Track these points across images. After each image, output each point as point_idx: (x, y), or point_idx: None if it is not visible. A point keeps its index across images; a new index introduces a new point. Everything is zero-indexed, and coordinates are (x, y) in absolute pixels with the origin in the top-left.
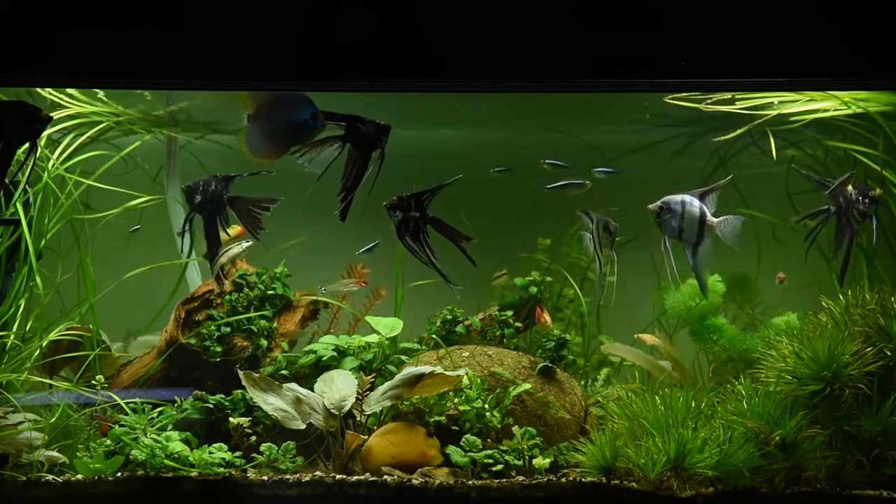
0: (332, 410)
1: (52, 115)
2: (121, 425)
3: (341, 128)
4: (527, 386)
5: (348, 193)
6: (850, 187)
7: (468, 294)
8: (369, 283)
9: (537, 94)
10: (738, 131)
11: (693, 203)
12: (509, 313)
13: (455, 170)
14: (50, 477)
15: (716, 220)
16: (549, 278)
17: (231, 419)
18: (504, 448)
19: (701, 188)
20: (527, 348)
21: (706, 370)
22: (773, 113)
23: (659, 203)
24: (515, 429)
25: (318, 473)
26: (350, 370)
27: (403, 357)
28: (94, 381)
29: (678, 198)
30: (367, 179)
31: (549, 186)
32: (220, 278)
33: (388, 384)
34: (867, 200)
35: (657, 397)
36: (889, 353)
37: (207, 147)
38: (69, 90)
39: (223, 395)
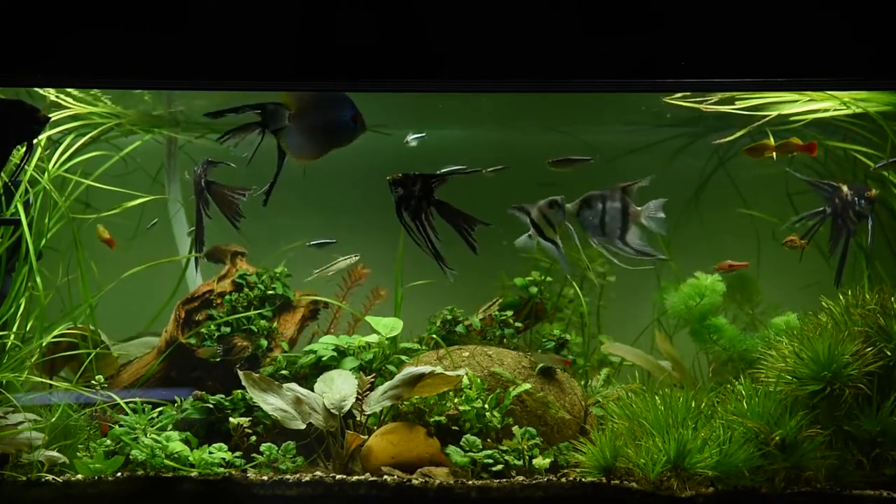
0: (332, 410)
1: (50, 115)
2: (121, 425)
3: (258, 115)
4: (527, 386)
5: (275, 178)
6: (845, 189)
7: (468, 294)
8: (369, 284)
9: (537, 94)
10: (738, 133)
11: (616, 197)
12: (509, 313)
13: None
14: (50, 477)
15: (639, 207)
16: (549, 278)
17: (231, 419)
18: (504, 448)
19: (621, 184)
20: (527, 348)
21: (706, 370)
22: (773, 114)
23: (577, 202)
24: (515, 429)
25: (318, 473)
26: (350, 370)
27: (403, 357)
28: (93, 382)
29: (598, 193)
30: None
31: (552, 161)
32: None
33: (388, 384)
34: (863, 200)
35: (657, 397)
36: (889, 353)
37: (208, 147)
38: (69, 90)
39: (223, 395)
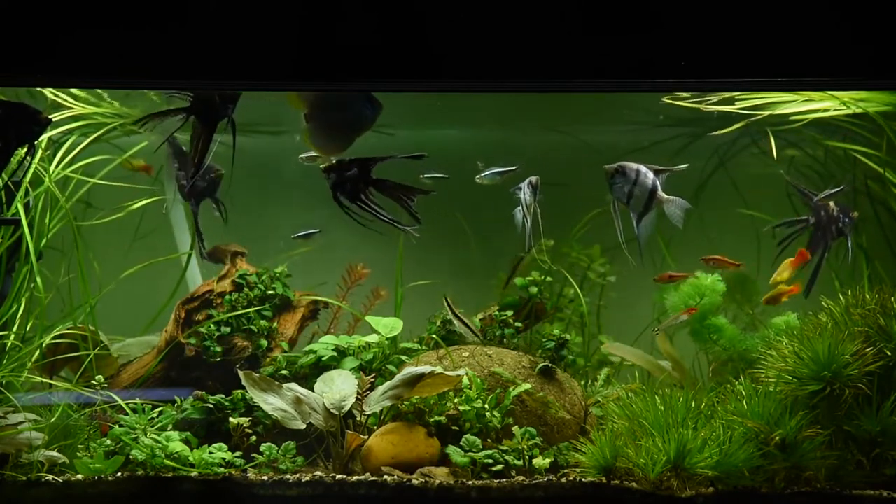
0: (332, 410)
1: (51, 116)
2: (121, 425)
3: (186, 99)
4: (527, 386)
5: (198, 169)
6: (831, 204)
7: (468, 294)
8: (369, 284)
9: (537, 94)
10: (736, 126)
11: (649, 175)
12: (509, 313)
13: (454, 170)
14: (50, 477)
15: (667, 196)
16: (549, 279)
17: (231, 419)
18: (504, 448)
19: (656, 166)
20: (527, 348)
21: (706, 370)
22: (766, 113)
23: (615, 166)
24: (515, 429)
25: (318, 473)
26: (350, 370)
27: (403, 357)
28: (93, 382)
29: (636, 166)
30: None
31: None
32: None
33: (388, 384)
34: (846, 219)
35: (657, 397)
36: (889, 353)
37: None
38: (71, 90)
39: (223, 395)
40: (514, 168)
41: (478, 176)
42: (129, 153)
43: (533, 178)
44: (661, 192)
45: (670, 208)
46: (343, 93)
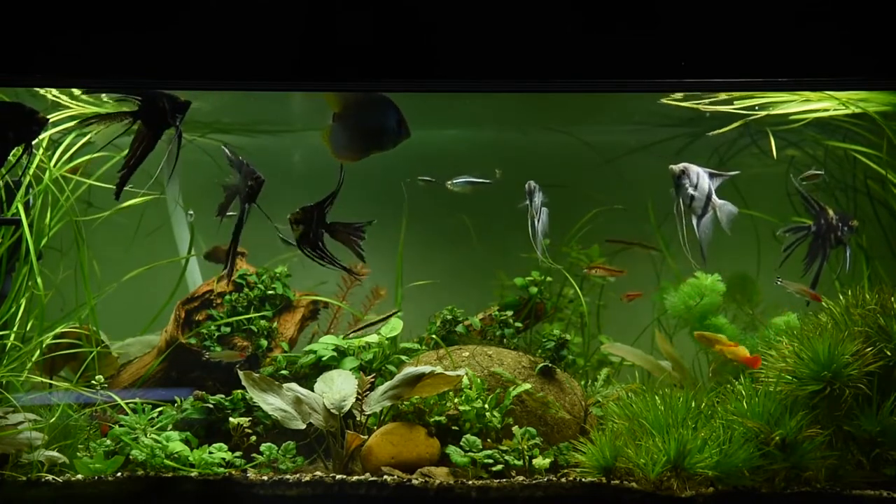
0: (332, 410)
1: (50, 117)
2: (121, 425)
3: (134, 102)
4: (527, 386)
5: (129, 171)
6: (831, 213)
7: (468, 294)
8: (369, 284)
9: (536, 94)
10: (735, 124)
11: (706, 178)
12: (509, 313)
13: (454, 170)
14: (50, 477)
15: (719, 201)
16: (549, 278)
17: (231, 419)
18: (504, 448)
19: (710, 170)
20: (527, 348)
21: (706, 370)
22: (764, 113)
23: (681, 167)
24: (515, 429)
25: (318, 473)
26: (350, 370)
27: (403, 357)
28: (93, 382)
29: (697, 168)
30: (167, 160)
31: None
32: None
33: (388, 384)
34: (846, 228)
35: (657, 397)
36: (889, 353)
37: (209, 146)
38: (70, 90)
39: (223, 395)
40: (486, 181)
41: (449, 182)
42: (125, 153)
43: (528, 184)
44: (715, 197)
45: (722, 212)
46: (377, 107)
